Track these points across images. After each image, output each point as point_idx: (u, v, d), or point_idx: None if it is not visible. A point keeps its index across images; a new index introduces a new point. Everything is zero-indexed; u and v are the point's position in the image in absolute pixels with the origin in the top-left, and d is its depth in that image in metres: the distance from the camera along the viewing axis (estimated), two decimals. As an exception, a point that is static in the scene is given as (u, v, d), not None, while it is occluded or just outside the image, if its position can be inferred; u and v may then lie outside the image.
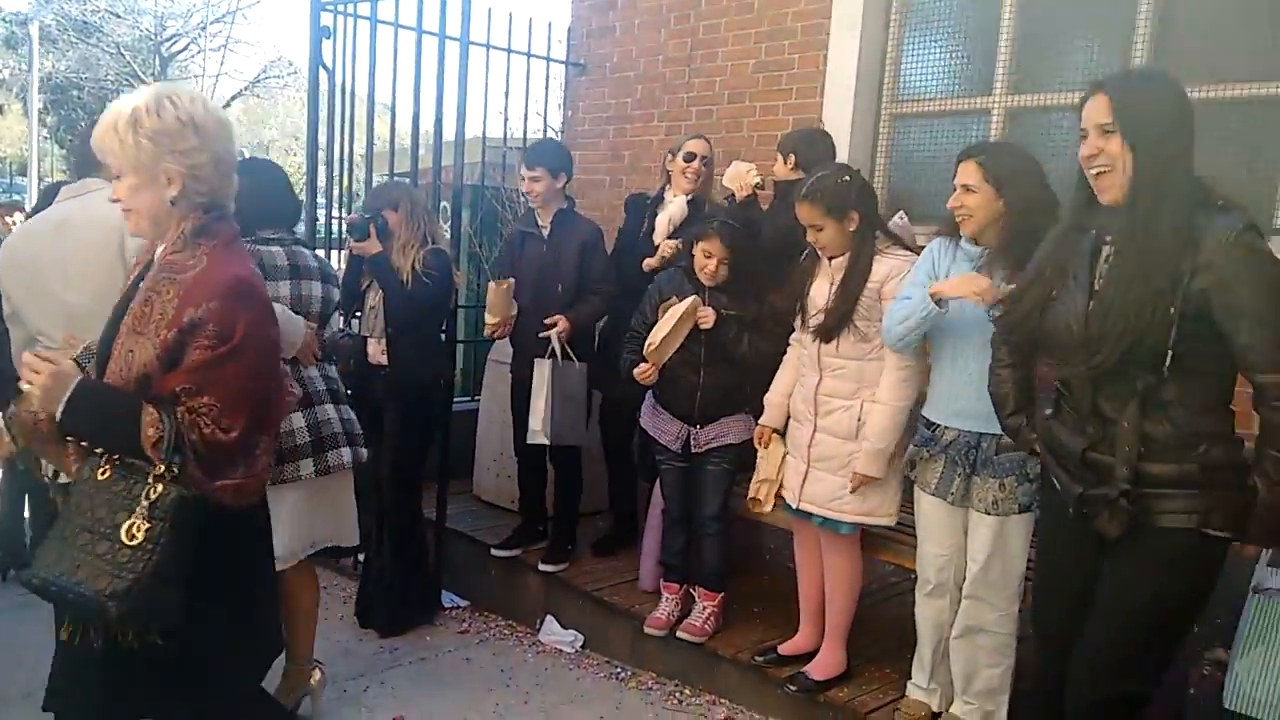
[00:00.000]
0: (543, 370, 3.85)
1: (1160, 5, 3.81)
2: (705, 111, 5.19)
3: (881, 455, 2.90)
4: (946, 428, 2.73)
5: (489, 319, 3.94)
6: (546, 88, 5.71)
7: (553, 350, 3.86)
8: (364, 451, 3.21)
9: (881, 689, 3.12)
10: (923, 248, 2.97)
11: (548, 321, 3.87)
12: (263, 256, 2.96)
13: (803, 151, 3.65)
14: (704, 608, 3.52)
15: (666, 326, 3.27)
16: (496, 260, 4.48)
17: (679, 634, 3.50)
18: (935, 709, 2.91)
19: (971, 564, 2.72)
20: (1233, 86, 3.63)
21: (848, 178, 2.97)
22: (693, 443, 3.46)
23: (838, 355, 2.98)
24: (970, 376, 2.65)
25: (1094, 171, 2.04)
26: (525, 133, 5.62)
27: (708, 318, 3.29)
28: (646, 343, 3.30)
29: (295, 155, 30.99)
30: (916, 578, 2.91)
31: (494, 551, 4.24)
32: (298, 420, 3.00)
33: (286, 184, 3.24)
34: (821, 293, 3.02)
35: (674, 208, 3.91)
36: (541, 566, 4.08)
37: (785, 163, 3.68)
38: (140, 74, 32.27)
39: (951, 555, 2.79)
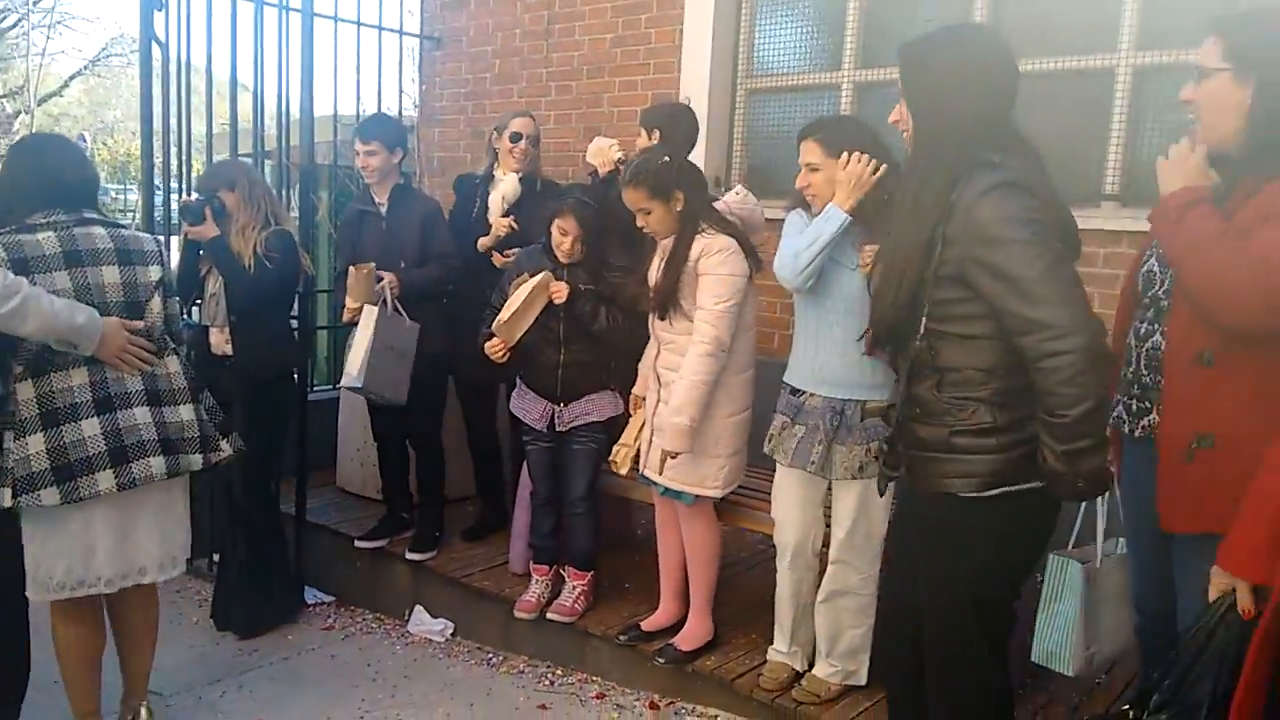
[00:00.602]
0: (369, 315, 3.69)
1: (996, -20, 3.94)
2: (564, 87, 5.11)
3: (680, 429, 2.88)
4: (811, 394, 2.74)
5: (349, 303, 3.77)
6: (400, 63, 5.52)
7: (383, 300, 3.72)
8: (197, 459, 2.77)
9: (747, 655, 3.15)
10: (767, 218, 3.08)
11: (385, 277, 3.74)
12: (24, 247, 2.54)
13: (666, 126, 3.61)
14: (574, 587, 3.49)
15: (516, 302, 3.23)
16: (337, 242, 4.31)
17: (549, 615, 3.46)
18: (797, 669, 2.97)
19: (836, 529, 2.76)
20: (1062, 60, 3.78)
21: (668, 159, 2.97)
22: (557, 421, 3.40)
23: (669, 330, 3.00)
24: (836, 344, 2.69)
25: (905, 134, 2.08)
26: (379, 108, 5.40)
27: (560, 292, 3.24)
28: (497, 319, 3.24)
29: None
30: (776, 546, 2.93)
31: (358, 543, 4.10)
32: (89, 427, 2.56)
33: (72, 162, 2.77)
34: (656, 272, 3.04)
35: (505, 185, 3.84)
36: (408, 555, 3.96)
37: (649, 138, 3.64)
38: (-36, 52, 29.93)
39: (810, 526, 2.83)
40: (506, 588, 3.68)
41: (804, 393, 2.77)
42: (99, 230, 2.68)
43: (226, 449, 2.87)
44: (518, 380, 3.53)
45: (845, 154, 2.57)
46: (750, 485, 3.25)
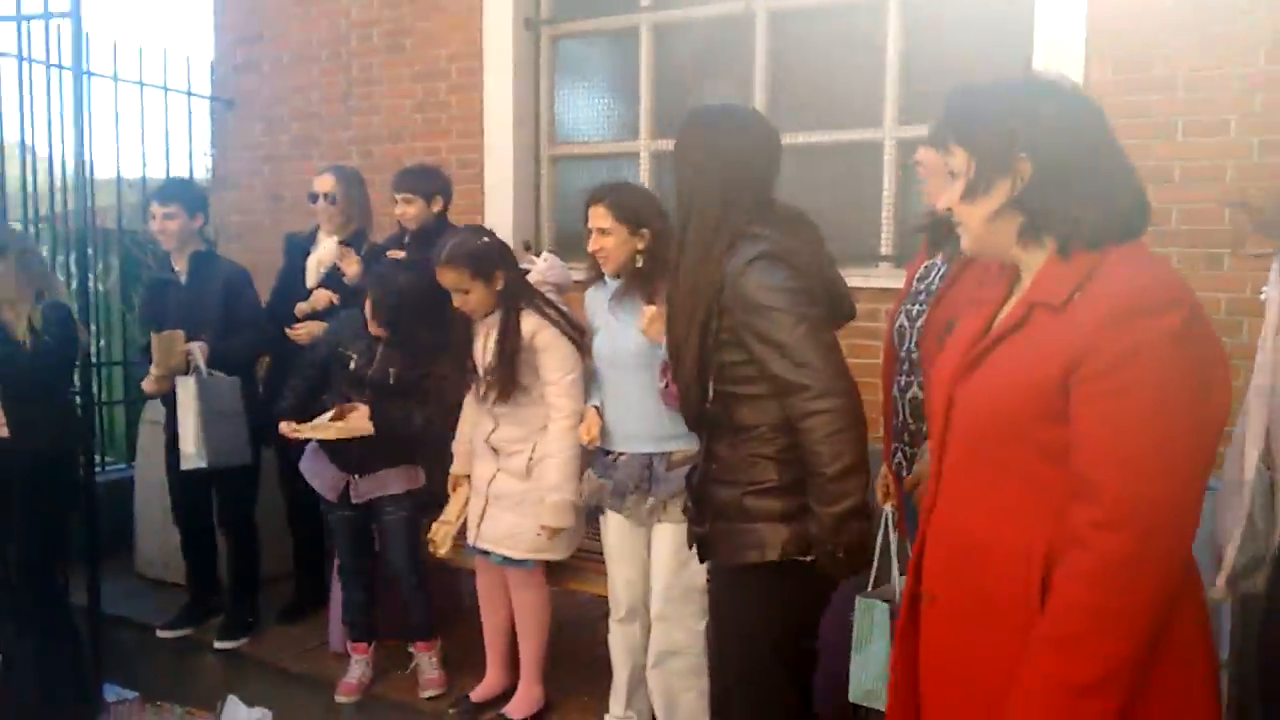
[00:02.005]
0: (187, 386, 3.36)
1: (773, 57, 4.12)
2: (366, 151, 4.92)
3: (567, 505, 2.84)
4: (620, 453, 2.72)
5: (154, 372, 3.42)
6: (189, 125, 5.14)
7: (195, 366, 3.41)
8: None
9: (582, 718, 3.06)
10: (577, 281, 3.03)
11: (186, 345, 3.42)
12: None
13: (444, 191, 3.60)
14: (429, 659, 3.27)
15: (323, 433, 3.10)
16: (139, 313, 3.93)
17: (423, 694, 3.21)
18: (632, 738, 2.89)
19: (654, 584, 2.70)
20: (837, 133, 4.00)
21: (487, 239, 2.92)
22: (353, 493, 3.22)
23: (505, 405, 2.91)
24: (631, 402, 2.69)
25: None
26: (168, 173, 5.00)
27: (366, 429, 3.07)
28: (301, 425, 3.11)
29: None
30: (610, 606, 2.86)
31: (160, 633, 3.71)
32: None
33: None
34: (481, 351, 2.95)
35: (323, 249, 3.65)
36: (217, 644, 3.62)
37: (430, 206, 3.55)
38: None
39: (639, 578, 2.77)
40: (327, 670, 3.42)
41: (613, 452, 2.75)
42: None
43: None
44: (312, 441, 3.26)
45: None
46: (583, 546, 3.16)
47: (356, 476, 3.19)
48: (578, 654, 3.38)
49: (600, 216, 2.64)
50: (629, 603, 2.80)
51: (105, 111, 6.78)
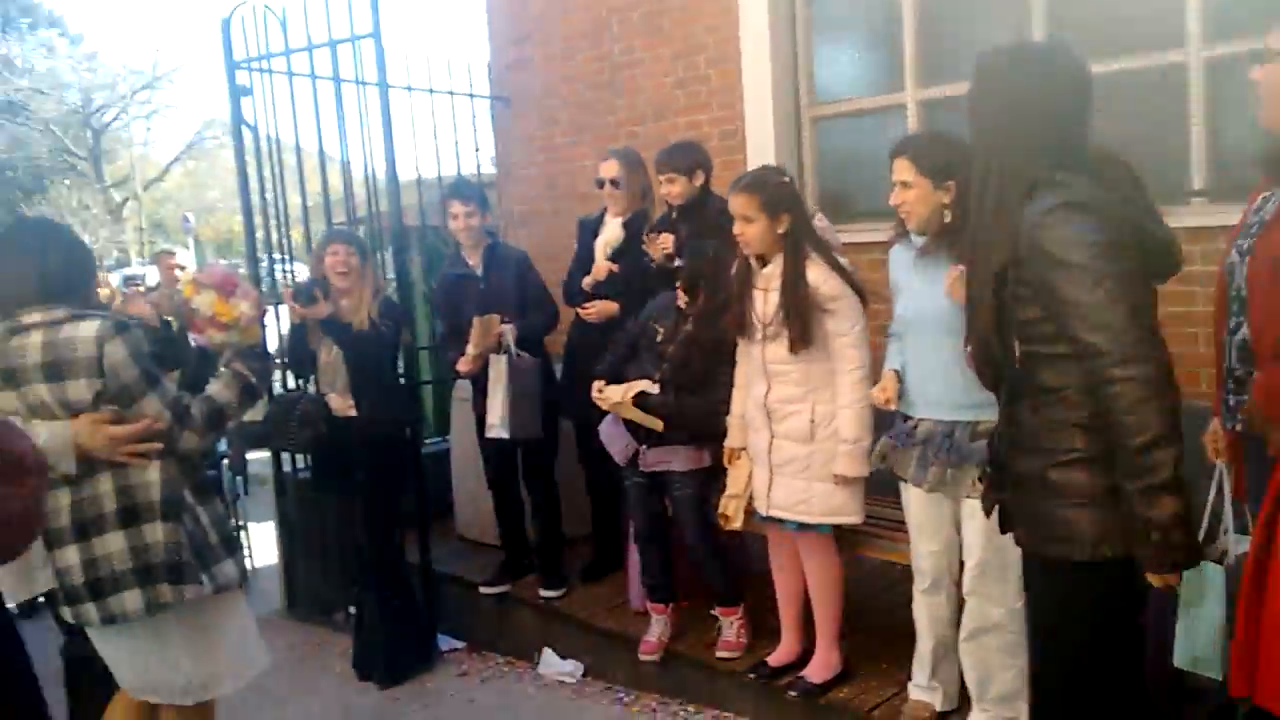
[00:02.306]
0: (499, 365, 3.72)
1: (1054, -15, 3.76)
2: (632, 133, 5.06)
3: (861, 453, 2.81)
4: (920, 420, 2.62)
5: (471, 351, 3.77)
6: (474, 124, 5.54)
7: (506, 346, 3.73)
8: (166, 589, 2.26)
9: (881, 685, 3.02)
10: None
11: (500, 327, 3.74)
12: (10, 356, 2.19)
13: (705, 165, 3.63)
14: (731, 623, 3.35)
15: (621, 410, 3.27)
16: (436, 304, 4.30)
17: (718, 654, 3.32)
18: (939, 708, 2.79)
19: (967, 559, 2.59)
20: (1131, 59, 3.59)
21: (787, 179, 2.91)
22: (641, 461, 3.34)
23: (782, 362, 2.89)
24: (932, 366, 2.57)
25: None
26: (458, 170, 5.44)
27: (655, 424, 3.22)
28: (610, 390, 3.27)
29: (240, 215, 30.26)
30: (913, 574, 2.78)
31: (482, 589, 4.08)
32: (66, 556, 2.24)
33: (59, 246, 2.32)
34: (761, 302, 2.92)
35: (608, 231, 3.80)
36: (542, 593, 3.96)
37: (691, 181, 3.58)
38: (73, 149, 31.36)
39: (944, 549, 2.67)
40: (630, 627, 3.62)
41: (911, 417, 2.66)
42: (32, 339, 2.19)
43: (230, 572, 2.37)
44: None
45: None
46: (872, 513, 3.08)
47: (644, 447, 3.32)
48: (873, 620, 3.35)
49: (903, 169, 2.53)
50: (933, 574, 2.71)
51: (402, 118, 7.47)
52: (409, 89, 5.11)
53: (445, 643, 4.17)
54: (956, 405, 2.52)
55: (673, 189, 3.59)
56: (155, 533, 2.25)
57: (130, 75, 29.93)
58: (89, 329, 2.19)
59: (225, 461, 5.33)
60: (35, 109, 31.18)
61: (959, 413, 2.52)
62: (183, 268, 5.81)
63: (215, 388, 2.39)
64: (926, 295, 2.54)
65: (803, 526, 2.95)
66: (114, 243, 27.00)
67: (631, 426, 3.32)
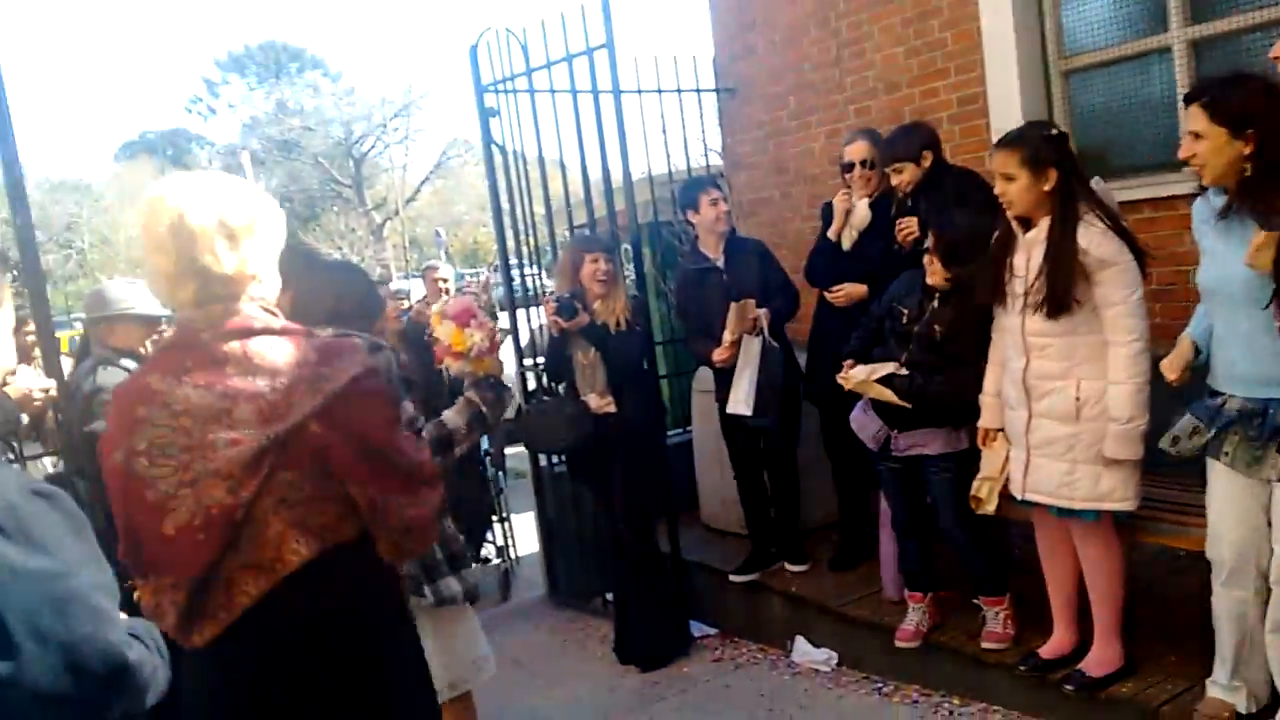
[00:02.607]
0: (751, 346, 3.79)
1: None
2: (863, 109, 4.95)
3: (1133, 435, 2.61)
4: (1230, 396, 2.39)
5: (728, 337, 3.83)
6: (701, 119, 5.63)
7: (760, 329, 3.79)
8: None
9: (1169, 681, 2.79)
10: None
11: (755, 310, 3.79)
12: None
13: (932, 144, 3.50)
14: (996, 613, 3.22)
15: (867, 389, 3.21)
16: (678, 304, 4.40)
17: (984, 645, 3.20)
18: (1242, 709, 2.53)
19: (1276, 546, 2.33)
20: None
21: (1054, 132, 2.73)
22: (893, 446, 3.26)
23: (1043, 334, 2.72)
24: (1241, 339, 2.33)
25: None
26: (688, 165, 5.56)
27: (899, 400, 3.14)
28: (855, 371, 3.22)
29: (486, 227, 32.51)
30: (1210, 563, 2.53)
31: (732, 577, 4.15)
32: None
33: (353, 279, 2.62)
34: (1022, 268, 2.76)
35: (855, 213, 3.74)
36: (789, 568, 4.05)
37: (919, 165, 3.45)
38: (338, 178, 34.91)
39: (1251, 537, 2.42)
40: (885, 616, 3.55)
41: (1221, 394, 2.42)
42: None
43: (454, 587, 2.51)
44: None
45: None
46: (1150, 495, 2.86)
47: (895, 431, 3.25)
48: (1156, 610, 3.09)
49: (1195, 118, 2.31)
50: (1235, 564, 2.45)
51: (633, 119, 7.72)
52: (638, 91, 5.28)
53: (698, 629, 4.27)
54: (1267, 381, 2.28)
55: (902, 178, 3.50)
56: None
57: (384, 105, 32.85)
58: None
59: (488, 458, 5.75)
60: (305, 145, 35.04)
61: (1271, 389, 2.28)
62: (445, 279, 6.30)
63: (449, 413, 2.51)
64: (1230, 259, 2.29)
65: (1063, 512, 2.78)
66: (377, 260, 29.79)
67: (883, 411, 3.26)
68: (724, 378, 3.94)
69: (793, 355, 4.00)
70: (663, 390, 5.52)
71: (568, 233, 5.14)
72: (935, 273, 3.10)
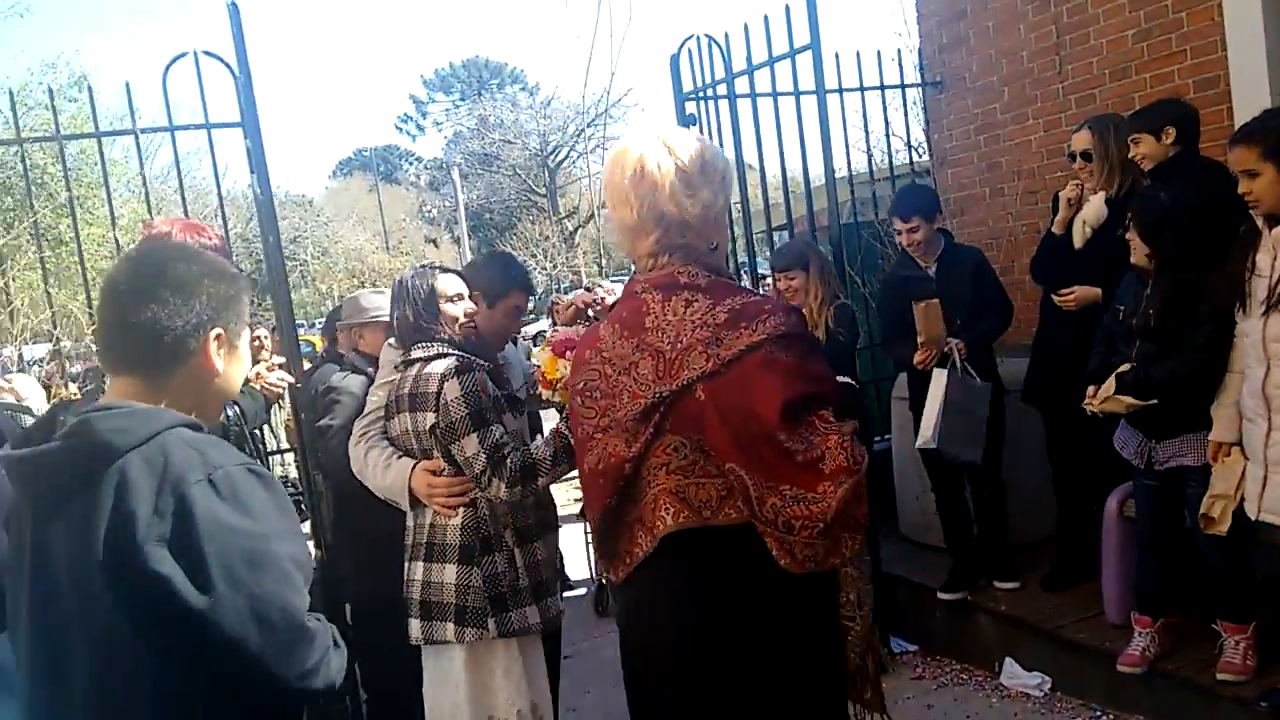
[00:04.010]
0: (939, 379, 3.72)
1: None
2: (1086, 97, 4.75)
3: None
4: None
5: (920, 340, 3.80)
6: (905, 115, 5.57)
7: (951, 362, 3.71)
8: (449, 628, 2.49)
9: None
10: None
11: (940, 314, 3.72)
12: (399, 385, 2.62)
13: (1182, 120, 3.27)
14: (1235, 642, 3.02)
15: (1112, 406, 3.06)
16: (882, 311, 4.36)
17: (1219, 676, 3.01)
18: None
19: None
20: None
21: None
22: (1154, 459, 3.10)
23: None
24: None
25: None
26: (890, 163, 5.50)
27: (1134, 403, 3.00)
28: (1100, 392, 3.08)
29: (671, 230, 33.03)
30: None
31: (940, 595, 4.06)
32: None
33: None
34: (1266, 267, 2.60)
35: (1089, 207, 3.58)
36: (998, 585, 3.94)
37: (1160, 140, 3.25)
38: (534, 187, 36.53)
39: None
40: (1106, 640, 3.39)
41: None
42: (410, 372, 2.57)
43: (491, 629, 2.46)
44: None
45: None
46: None
47: (1154, 441, 3.11)
48: None
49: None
50: None
51: (834, 118, 7.68)
52: (840, 90, 5.27)
53: (897, 645, 4.22)
54: None
55: (1138, 149, 3.33)
56: (446, 574, 2.49)
57: (577, 116, 34.05)
58: (439, 366, 2.49)
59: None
60: (504, 157, 36.90)
61: None
62: (610, 291, 6.54)
63: (537, 442, 2.53)
64: None
65: None
66: (568, 267, 30.93)
67: (1140, 422, 3.12)
68: (917, 385, 3.90)
69: (1001, 392, 3.86)
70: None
71: (764, 235, 5.22)
72: (1136, 249, 2.98)
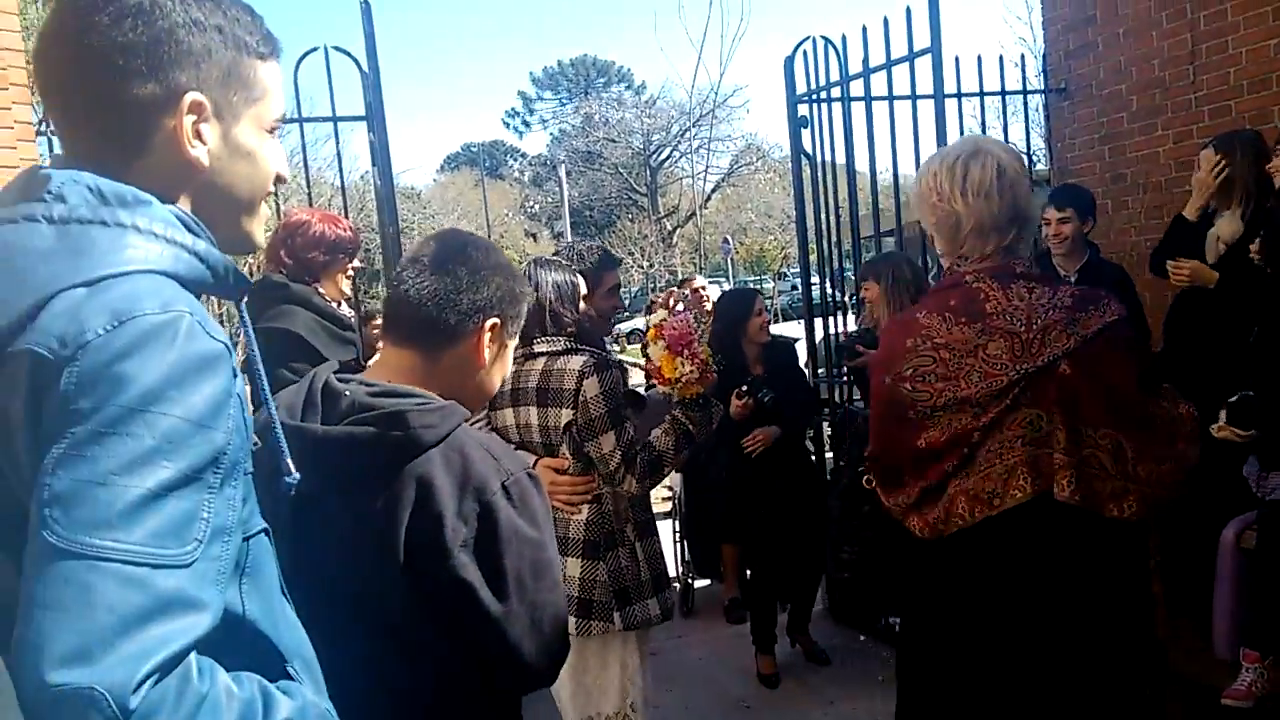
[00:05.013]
0: None
1: None
2: (1221, 109, 4.57)
3: None
4: None
5: None
6: (1026, 122, 5.43)
7: None
8: (594, 625, 2.50)
9: None
10: None
11: None
12: (519, 378, 2.58)
13: None
14: None
15: (1222, 433, 2.97)
16: None
17: None
18: None
19: None
20: None
21: None
22: (1265, 489, 2.98)
23: None
24: None
25: None
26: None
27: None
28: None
29: (771, 234, 32.92)
30: None
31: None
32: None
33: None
34: None
35: (1223, 224, 3.46)
36: None
37: None
38: (635, 186, 36.78)
39: None
40: (1212, 677, 3.27)
41: None
42: (536, 365, 2.55)
43: (617, 622, 2.49)
44: None
45: None
46: None
47: (1266, 472, 3.04)
48: None
49: None
50: None
51: (951, 125, 7.53)
52: (959, 95, 5.17)
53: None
54: None
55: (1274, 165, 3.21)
56: (569, 568, 2.49)
57: (681, 116, 34.21)
58: (575, 363, 2.48)
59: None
60: (607, 155, 37.27)
61: None
62: (704, 287, 6.57)
63: (657, 433, 2.55)
64: None
65: None
66: (666, 266, 31.04)
67: (1260, 450, 3.03)
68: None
69: None
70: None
71: (870, 241, 5.16)
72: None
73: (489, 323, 1.50)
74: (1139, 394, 1.84)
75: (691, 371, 2.48)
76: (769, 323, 4.17)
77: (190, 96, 0.99)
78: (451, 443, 1.39)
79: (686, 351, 2.47)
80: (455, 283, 1.47)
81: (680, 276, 27.23)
